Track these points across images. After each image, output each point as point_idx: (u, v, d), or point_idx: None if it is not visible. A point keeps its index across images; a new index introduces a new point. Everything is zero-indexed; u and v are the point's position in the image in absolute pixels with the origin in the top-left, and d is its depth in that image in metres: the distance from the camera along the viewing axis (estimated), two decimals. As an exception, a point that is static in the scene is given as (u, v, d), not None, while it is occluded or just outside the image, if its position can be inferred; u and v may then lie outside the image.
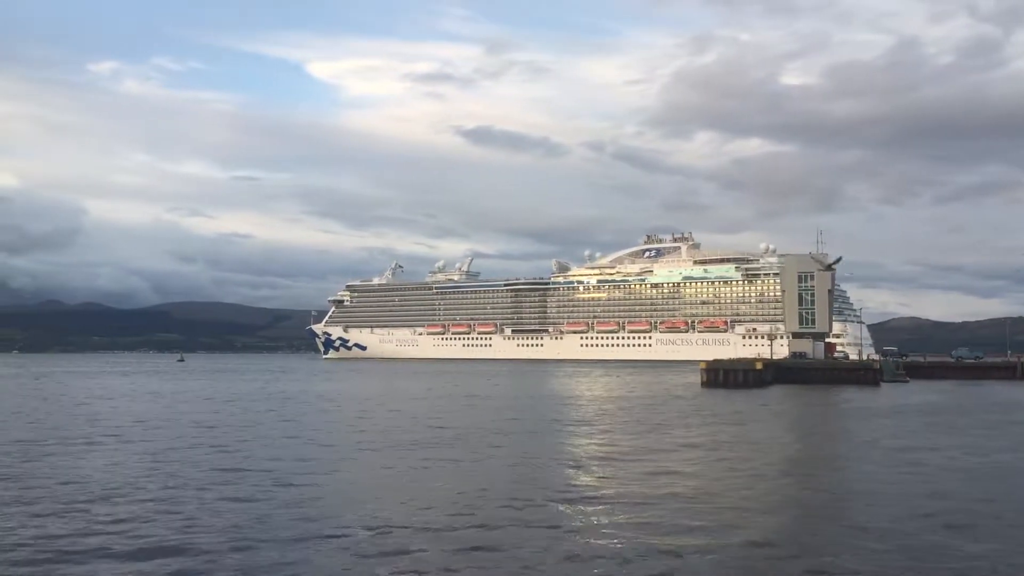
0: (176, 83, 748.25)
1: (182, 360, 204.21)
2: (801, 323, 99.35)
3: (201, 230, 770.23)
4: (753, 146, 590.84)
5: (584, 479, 24.51)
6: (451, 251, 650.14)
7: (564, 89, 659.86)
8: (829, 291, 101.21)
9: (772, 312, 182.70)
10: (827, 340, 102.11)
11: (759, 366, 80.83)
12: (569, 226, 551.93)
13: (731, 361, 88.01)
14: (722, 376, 78.70)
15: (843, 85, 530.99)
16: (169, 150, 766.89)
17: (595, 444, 33.06)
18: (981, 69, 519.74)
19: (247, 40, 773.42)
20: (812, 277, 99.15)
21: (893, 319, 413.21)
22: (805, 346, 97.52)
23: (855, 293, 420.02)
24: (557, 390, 74.21)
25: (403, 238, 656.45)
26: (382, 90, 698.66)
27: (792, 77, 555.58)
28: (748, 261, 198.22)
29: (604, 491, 22.30)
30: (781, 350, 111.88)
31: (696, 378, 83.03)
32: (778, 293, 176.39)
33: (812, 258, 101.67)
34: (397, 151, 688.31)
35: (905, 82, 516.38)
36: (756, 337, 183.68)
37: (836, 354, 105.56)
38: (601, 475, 25.16)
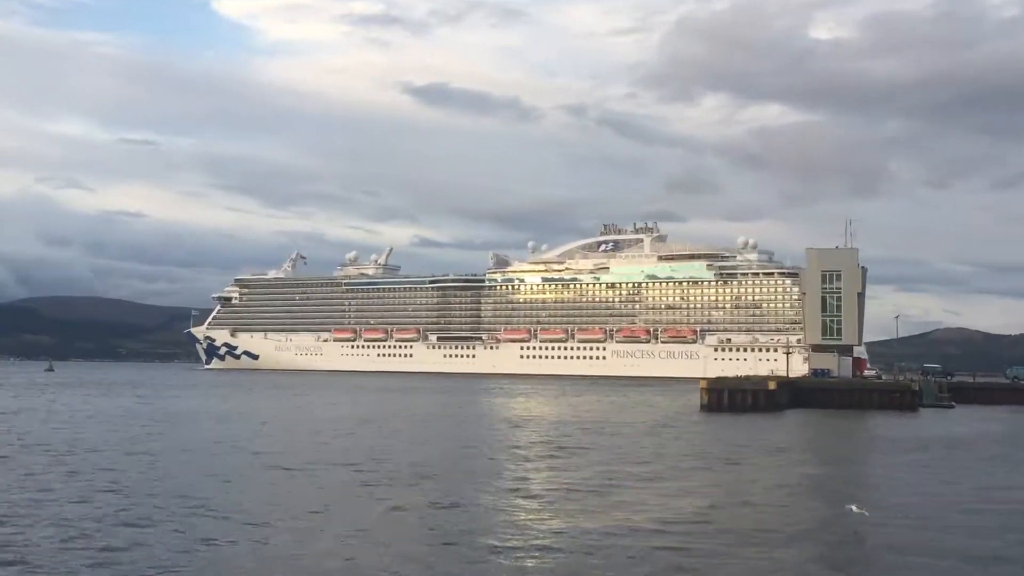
0: (49, 20, 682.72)
1: (51, 370, 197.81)
2: (824, 333, 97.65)
3: (79, 206, 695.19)
4: (773, 114, 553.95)
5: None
6: (396, 237, 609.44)
7: (539, 38, 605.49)
8: (859, 294, 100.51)
9: (749, 320, 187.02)
10: (856, 355, 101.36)
11: (772, 386, 79.91)
12: (543, 209, 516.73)
13: (738, 380, 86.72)
14: (727, 398, 77.08)
15: (884, 41, 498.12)
16: (39, 105, 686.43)
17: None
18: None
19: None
20: (839, 277, 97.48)
21: (937, 330, 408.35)
22: (829, 362, 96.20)
23: (890, 297, 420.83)
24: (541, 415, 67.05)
25: (335, 220, 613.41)
26: (310, 34, 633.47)
27: (822, 30, 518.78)
28: (723, 258, 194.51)
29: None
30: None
31: (693, 399, 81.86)
32: (757, 296, 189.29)
33: (840, 253, 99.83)
34: (329, 112, 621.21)
35: (960, 38, 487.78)
36: (730, 350, 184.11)
37: (866, 372, 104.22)
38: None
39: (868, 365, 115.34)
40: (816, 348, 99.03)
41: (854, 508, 26.68)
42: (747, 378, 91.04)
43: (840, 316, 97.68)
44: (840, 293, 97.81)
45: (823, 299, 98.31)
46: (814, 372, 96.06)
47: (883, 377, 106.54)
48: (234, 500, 28.24)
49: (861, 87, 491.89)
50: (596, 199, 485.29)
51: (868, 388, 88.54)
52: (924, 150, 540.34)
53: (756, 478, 35.11)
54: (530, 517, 25.67)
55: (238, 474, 34.55)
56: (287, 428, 57.43)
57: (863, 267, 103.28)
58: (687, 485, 32.34)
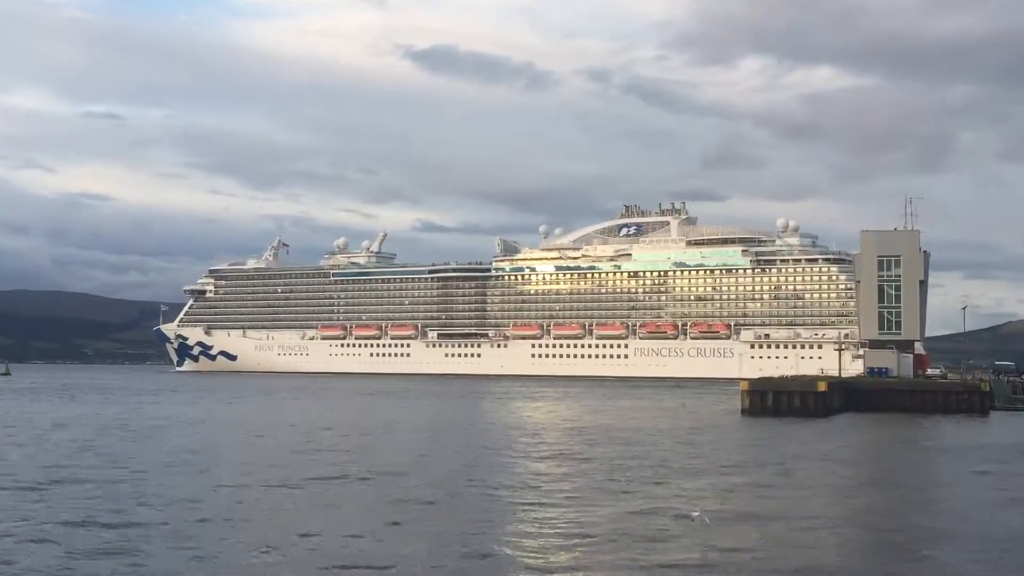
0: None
1: (7, 373, 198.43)
2: (881, 327, 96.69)
3: (38, 188, 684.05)
4: (824, 77, 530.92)
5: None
6: (395, 221, 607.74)
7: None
8: (921, 282, 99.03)
9: (790, 312, 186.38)
10: (917, 352, 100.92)
11: (822, 387, 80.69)
12: (558, 188, 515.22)
13: (784, 380, 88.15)
14: (771, 400, 78.03)
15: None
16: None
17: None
18: None
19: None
20: (898, 263, 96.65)
21: (1011, 322, 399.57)
22: (886, 359, 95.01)
23: (957, 285, 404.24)
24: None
25: (327, 203, 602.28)
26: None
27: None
28: (760, 242, 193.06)
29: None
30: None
31: (732, 402, 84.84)
32: (799, 286, 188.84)
33: (899, 235, 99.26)
34: (319, 80, 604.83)
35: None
36: (768, 347, 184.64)
37: (930, 371, 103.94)
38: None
39: (932, 363, 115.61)
40: (872, 344, 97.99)
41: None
42: (793, 378, 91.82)
43: (899, 307, 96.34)
44: (899, 281, 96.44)
45: (880, 288, 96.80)
46: (870, 371, 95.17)
47: (949, 376, 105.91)
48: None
49: (925, 47, 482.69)
50: (619, 177, 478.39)
51: (932, 389, 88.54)
52: (997, 118, 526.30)
53: (814, 498, 35.05)
54: (558, 554, 24.73)
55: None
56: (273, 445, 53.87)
57: (925, 251, 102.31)
58: (738, 510, 31.64)
